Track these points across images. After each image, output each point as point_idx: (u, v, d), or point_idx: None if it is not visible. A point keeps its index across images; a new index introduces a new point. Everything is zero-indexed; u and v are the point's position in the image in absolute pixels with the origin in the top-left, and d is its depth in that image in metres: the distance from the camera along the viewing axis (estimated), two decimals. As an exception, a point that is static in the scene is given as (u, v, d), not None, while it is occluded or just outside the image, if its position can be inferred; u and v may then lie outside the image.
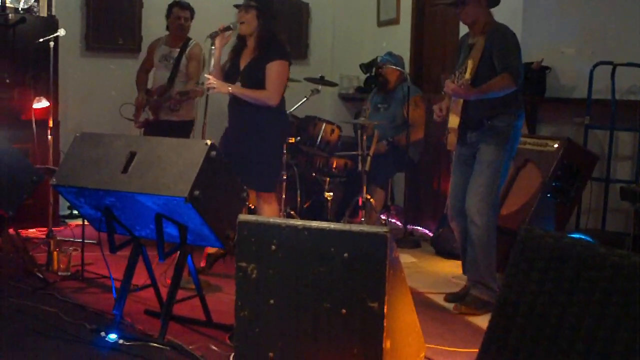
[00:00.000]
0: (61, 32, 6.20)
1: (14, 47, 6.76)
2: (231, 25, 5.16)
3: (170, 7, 6.74)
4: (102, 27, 7.83)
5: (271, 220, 3.27)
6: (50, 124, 6.21)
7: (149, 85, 6.84)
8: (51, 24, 6.75)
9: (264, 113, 5.18)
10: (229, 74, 5.31)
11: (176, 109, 6.50)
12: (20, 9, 6.81)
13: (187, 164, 3.70)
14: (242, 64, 5.25)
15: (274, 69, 5.14)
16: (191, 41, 6.65)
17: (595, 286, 1.91)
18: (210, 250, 5.45)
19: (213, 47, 5.08)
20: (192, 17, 6.74)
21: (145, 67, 6.95)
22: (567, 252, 1.96)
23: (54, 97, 6.41)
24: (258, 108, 5.15)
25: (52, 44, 6.09)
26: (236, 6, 5.31)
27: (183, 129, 6.45)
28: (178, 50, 6.62)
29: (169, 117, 6.54)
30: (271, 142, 5.31)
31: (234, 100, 5.22)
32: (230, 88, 5.08)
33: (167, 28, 6.78)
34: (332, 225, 3.16)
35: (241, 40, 5.32)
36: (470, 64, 4.67)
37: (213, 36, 5.07)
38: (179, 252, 4.01)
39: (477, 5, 4.78)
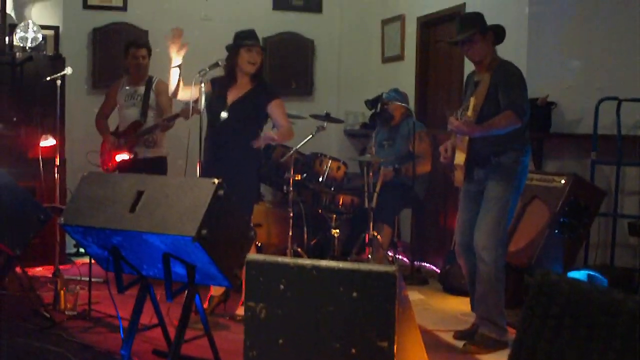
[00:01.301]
0: (68, 70, 6.23)
1: (21, 86, 6.82)
2: (219, 62, 5.20)
3: (127, 47, 6.79)
4: (108, 66, 7.88)
5: (279, 259, 3.26)
6: (57, 162, 6.22)
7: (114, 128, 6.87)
8: (58, 62, 6.80)
9: (246, 147, 5.25)
10: (214, 105, 5.31)
11: (151, 145, 6.55)
12: (27, 47, 6.86)
13: (194, 203, 3.69)
14: (231, 98, 5.30)
15: (281, 107, 5.37)
16: (154, 77, 6.69)
17: (613, 333, 1.89)
18: (214, 292, 5.43)
19: (203, 85, 5.08)
20: (149, 54, 6.78)
21: (104, 112, 6.94)
22: (584, 298, 1.94)
23: (60, 135, 6.43)
24: (244, 142, 5.21)
25: (59, 82, 6.11)
26: (247, 45, 5.30)
27: (160, 166, 6.51)
28: (143, 87, 6.65)
29: (145, 154, 6.57)
30: (253, 175, 5.39)
31: (218, 133, 5.28)
32: (275, 137, 5.23)
33: (126, 69, 6.84)
34: (341, 265, 3.14)
35: (229, 75, 5.35)
36: (472, 101, 4.67)
37: (202, 74, 5.08)
38: (186, 291, 3.99)
39: (484, 43, 4.80)
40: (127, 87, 6.74)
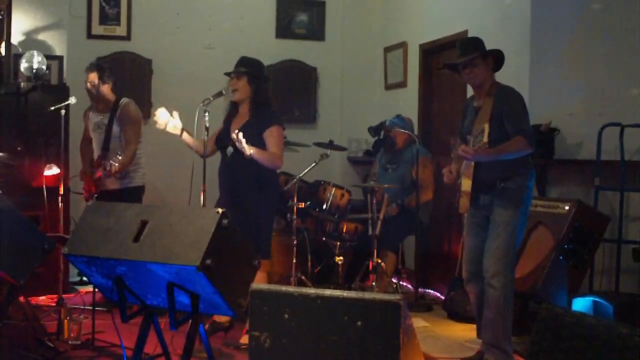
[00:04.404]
0: (72, 100, 6.27)
1: (26, 115, 6.84)
2: (223, 91, 5.23)
3: None
4: (112, 94, 7.91)
5: (283, 289, 3.26)
6: (61, 191, 6.23)
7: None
8: (62, 92, 6.82)
9: (264, 178, 5.25)
10: (220, 139, 5.38)
11: (121, 177, 6.15)
12: (32, 77, 6.88)
13: (198, 233, 3.69)
14: (234, 129, 5.26)
15: (274, 135, 5.24)
16: (121, 102, 6.30)
17: (620, 368, 1.88)
18: (218, 319, 5.41)
19: (207, 114, 5.10)
20: (104, 77, 6.31)
21: (85, 136, 6.60)
22: (590, 333, 1.94)
23: (64, 164, 6.44)
24: (258, 173, 5.19)
25: (63, 111, 6.14)
26: (227, 74, 5.38)
27: (131, 197, 6.09)
28: (108, 115, 6.28)
29: (114, 186, 6.21)
30: (270, 207, 5.35)
31: (230, 166, 5.27)
32: (252, 150, 5.01)
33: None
34: (345, 294, 3.14)
35: (233, 106, 5.39)
36: (487, 127, 4.63)
37: (206, 103, 5.10)
38: (190, 320, 3.98)
39: (485, 67, 4.84)
40: (94, 114, 6.43)
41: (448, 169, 5.05)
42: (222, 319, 5.37)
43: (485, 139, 4.59)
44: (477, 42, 4.92)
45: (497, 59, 4.90)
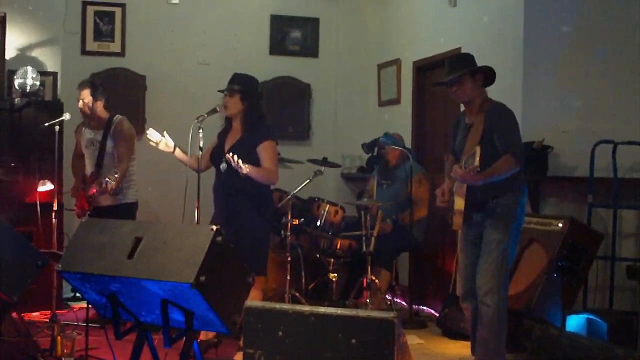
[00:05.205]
0: (66, 116, 6.26)
1: (20, 131, 6.83)
2: (217, 108, 5.26)
3: None
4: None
5: (277, 306, 3.25)
6: (55, 207, 6.22)
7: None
8: (56, 108, 6.81)
9: (258, 194, 5.26)
10: (215, 155, 5.39)
11: (114, 193, 6.05)
12: (26, 93, 6.87)
13: (192, 250, 3.69)
14: (228, 145, 5.31)
15: (268, 150, 5.26)
16: (115, 119, 6.33)
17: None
18: (205, 337, 5.38)
19: (201, 130, 5.12)
20: (96, 94, 6.33)
21: (77, 153, 6.64)
22: (584, 354, 1.94)
23: (58, 180, 6.43)
24: (252, 190, 5.20)
25: (57, 127, 6.13)
26: (220, 91, 5.39)
27: (124, 214, 6.08)
28: (102, 132, 6.32)
29: (107, 202, 6.22)
30: (265, 223, 5.35)
31: (224, 183, 5.28)
32: (248, 169, 5.01)
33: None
34: (339, 311, 3.13)
35: (227, 122, 5.41)
36: (478, 150, 4.55)
37: (200, 120, 5.12)
38: (184, 338, 3.97)
39: (473, 84, 4.81)
40: (87, 131, 6.46)
41: (441, 190, 5.02)
42: (209, 335, 5.34)
43: (477, 163, 4.51)
44: (465, 59, 4.90)
45: (487, 74, 4.89)
